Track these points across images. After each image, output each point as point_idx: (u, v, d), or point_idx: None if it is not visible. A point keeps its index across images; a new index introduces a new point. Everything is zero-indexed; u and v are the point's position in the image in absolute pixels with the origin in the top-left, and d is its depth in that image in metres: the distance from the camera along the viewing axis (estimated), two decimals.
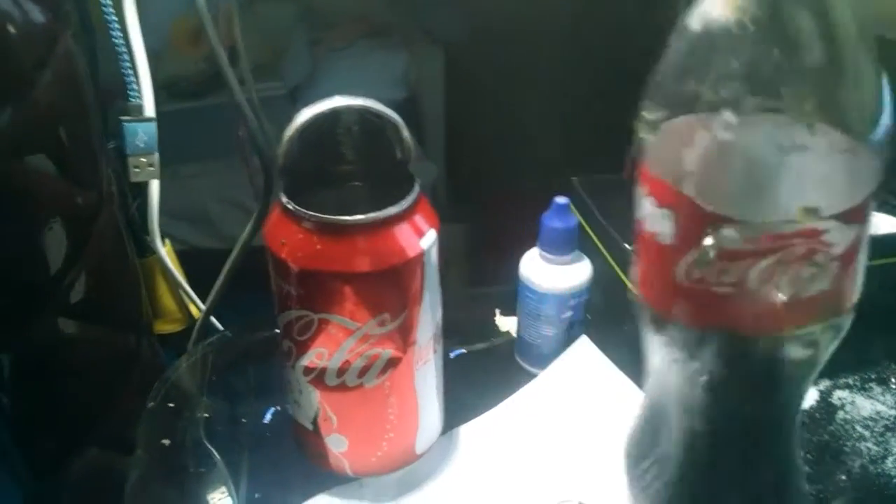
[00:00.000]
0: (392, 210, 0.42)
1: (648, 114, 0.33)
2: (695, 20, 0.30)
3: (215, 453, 0.55)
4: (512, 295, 0.70)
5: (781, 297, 0.31)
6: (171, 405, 0.59)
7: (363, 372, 0.46)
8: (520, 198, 0.70)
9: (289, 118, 0.42)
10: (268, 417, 0.59)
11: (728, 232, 0.30)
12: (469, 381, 0.57)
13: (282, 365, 0.49)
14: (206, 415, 0.59)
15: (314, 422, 0.49)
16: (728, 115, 0.29)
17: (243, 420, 0.59)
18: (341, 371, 0.46)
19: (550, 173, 0.69)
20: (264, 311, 0.52)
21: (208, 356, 0.64)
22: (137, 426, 0.60)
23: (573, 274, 0.57)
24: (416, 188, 0.44)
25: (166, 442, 0.56)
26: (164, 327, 0.68)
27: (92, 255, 0.54)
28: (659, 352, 0.38)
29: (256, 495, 0.52)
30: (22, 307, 0.54)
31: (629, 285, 0.61)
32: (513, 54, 0.99)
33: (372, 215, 0.42)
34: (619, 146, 0.77)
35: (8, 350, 0.56)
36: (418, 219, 0.44)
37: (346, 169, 0.43)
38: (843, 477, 0.51)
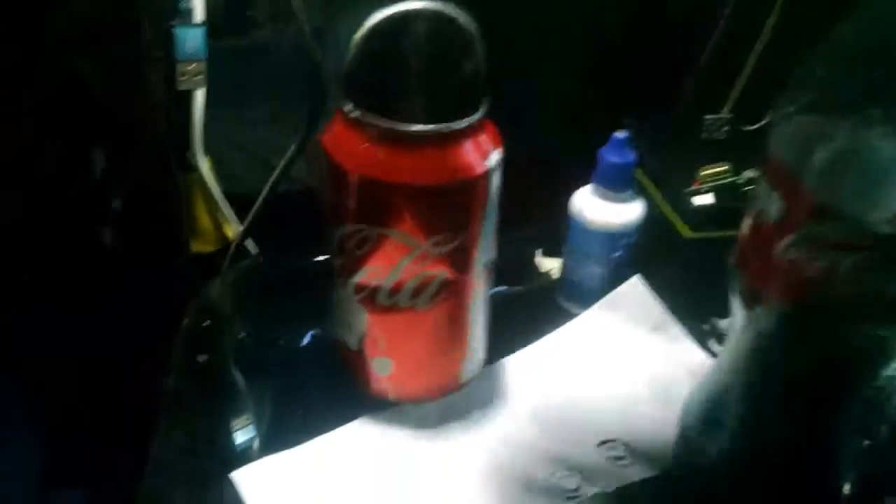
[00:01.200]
0: (462, 123, 0.41)
1: (785, 105, 0.34)
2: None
3: (241, 378, 0.55)
4: (552, 237, 0.69)
5: (869, 287, 0.32)
6: (207, 324, 0.59)
7: (416, 293, 0.44)
8: (562, 137, 0.68)
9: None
10: (306, 340, 0.58)
11: (830, 223, 0.31)
12: (509, 320, 0.56)
13: (330, 283, 0.48)
14: (242, 334, 0.58)
15: (360, 343, 0.48)
16: (855, 120, 0.30)
17: (280, 342, 0.58)
18: (394, 291, 0.44)
19: (596, 111, 0.67)
20: (300, 240, 0.51)
21: (243, 277, 0.63)
22: (173, 344, 0.59)
23: (627, 211, 0.55)
24: (485, 104, 0.42)
25: (202, 358, 0.55)
26: (200, 247, 0.67)
27: (137, 165, 0.53)
28: (746, 324, 0.38)
29: (280, 423, 0.52)
30: (65, 218, 0.53)
31: (680, 229, 0.60)
32: None
33: (441, 126, 0.40)
34: (672, 86, 0.76)
35: (50, 264, 0.55)
36: (485, 137, 0.43)
37: (412, 80, 0.40)
38: None
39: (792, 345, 0.36)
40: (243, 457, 0.49)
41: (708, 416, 0.44)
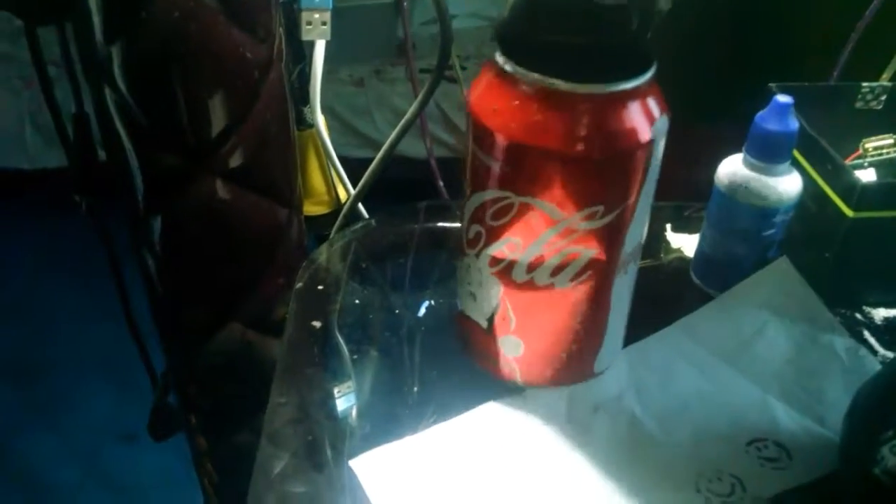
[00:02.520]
0: (628, 84, 0.36)
1: None
2: None
3: (344, 345, 0.52)
4: (680, 210, 0.64)
5: None
6: (320, 288, 0.56)
7: (557, 271, 0.40)
8: (704, 98, 0.62)
9: None
10: (422, 311, 0.55)
11: None
12: (639, 299, 0.51)
13: (461, 252, 0.44)
14: (356, 301, 0.55)
15: (490, 319, 0.44)
16: None
17: (396, 311, 0.55)
18: (532, 266, 0.40)
19: (745, 75, 0.61)
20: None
21: (354, 243, 0.61)
22: (283, 306, 0.57)
23: (784, 185, 0.49)
24: (653, 65, 0.37)
25: (317, 324, 0.53)
26: (311, 209, 0.65)
27: (258, 117, 0.50)
28: None
29: (384, 395, 0.49)
30: (183, 167, 0.51)
31: (840, 205, 0.55)
32: None
33: (605, 86, 0.35)
34: (827, 51, 0.69)
35: (164, 209, 0.53)
36: (651, 100, 0.38)
37: (573, 32, 0.36)
38: None
39: None
40: (341, 424, 0.47)
41: (882, 417, 0.39)
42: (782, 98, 0.48)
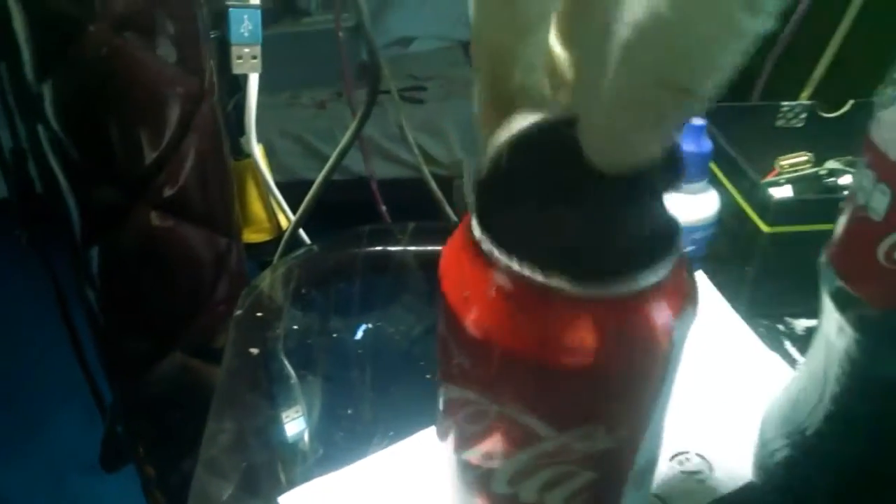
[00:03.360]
0: (647, 279, 0.26)
1: (890, 87, 0.32)
2: None
3: (291, 370, 0.53)
4: None
5: None
6: (259, 314, 0.57)
7: (547, 488, 0.31)
8: None
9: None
10: (359, 334, 0.56)
11: None
12: None
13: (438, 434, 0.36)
14: (295, 326, 0.56)
15: None
16: None
17: (334, 335, 0.56)
18: (515, 480, 0.31)
19: None
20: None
21: (296, 269, 0.62)
22: (225, 333, 0.58)
23: (702, 205, 0.52)
24: (678, 241, 0.28)
25: (254, 351, 0.54)
26: (252, 236, 0.65)
27: (190, 147, 0.51)
28: (839, 328, 0.35)
29: (339, 433, 0.50)
30: (118, 200, 0.51)
31: (757, 221, 0.57)
32: None
33: (618, 287, 0.26)
34: (746, 71, 0.72)
35: (101, 242, 0.54)
36: (672, 291, 0.28)
37: (572, 197, 0.26)
38: None
39: (891, 352, 0.33)
40: (292, 449, 0.47)
41: (792, 427, 0.41)
42: (696, 120, 0.50)
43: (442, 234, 0.62)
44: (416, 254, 0.64)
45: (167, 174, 0.51)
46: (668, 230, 0.28)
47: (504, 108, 0.26)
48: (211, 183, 0.54)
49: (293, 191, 0.66)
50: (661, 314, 0.27)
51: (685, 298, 0.28)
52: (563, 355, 0.27)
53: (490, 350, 0.28)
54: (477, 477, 0.32)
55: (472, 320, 0.28)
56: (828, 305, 0.36)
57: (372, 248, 0.66)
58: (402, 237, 0.67)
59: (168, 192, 0.52)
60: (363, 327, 0.56)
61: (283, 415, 0.51)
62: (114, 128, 0.49)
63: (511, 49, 0.25)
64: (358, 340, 0.56)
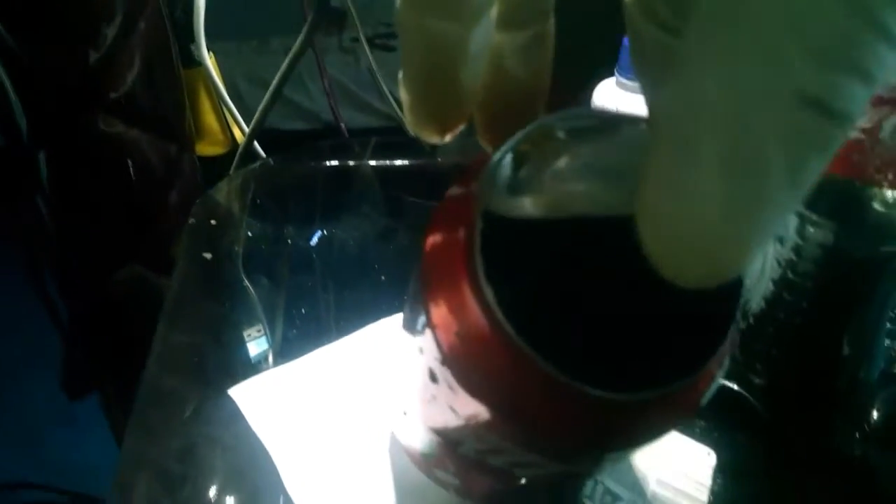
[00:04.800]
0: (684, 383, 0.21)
1: None
2: None
3: (252, 290, 0.53)
4: None
5: None
6: (214, 222, 0.57)
7: (517, 465, 0.28)
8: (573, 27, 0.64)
9: None
10: (314, 240, 0.56)
11: None
12: None
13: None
14: (249, 233, 0.56)
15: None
16: None
17: (288, 241, 0.56)
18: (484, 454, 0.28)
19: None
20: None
21: (252, 180, 0.61)
22: (178, 241, 0.58)
23: None
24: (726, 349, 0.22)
25: (208, 255, 0.54)
26: (207, 149, 0.65)
27: (135, 48, 0.50)
28: None
29: (293, 331, 0.50)
30: (63, 100, 0.50)
31: None
32: None
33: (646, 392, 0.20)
34: None
35: (48, 147, 0.53)
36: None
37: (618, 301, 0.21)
38: None
39: (824, 221, 0.34)
40: (258, 368, 0.47)
41: None
42: None
43: (403, 149, 0.62)
44: (376, 167, 0.63)
45: (112, 75, 0.50)
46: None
47: (444, 112, 0.21)
48: (159, 87, 0.53)
49: (261, 138, 0.65)
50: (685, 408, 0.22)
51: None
52: (567, 440, 0.22)
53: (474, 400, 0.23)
54: (444, 442, 0.30)
55: (460, 372, 0.22)
56: None
57: (330, 162, 0.65)
58: (361, 152, 0.66)
59: (114, 95, 0.51)
60: (318, 234, 0.56)
61: (245, 333, 0.51)
62: (55, 25, 0.47)
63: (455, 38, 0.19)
64: (313, 246, 0.56)
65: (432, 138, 0.21)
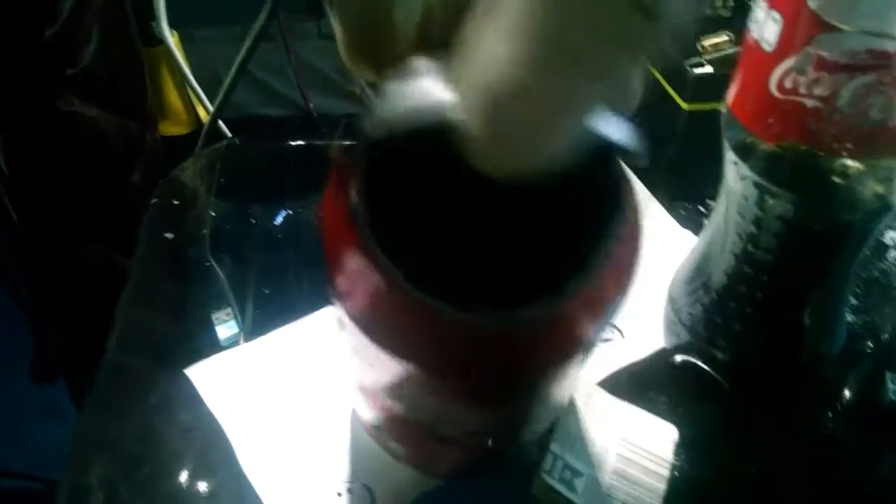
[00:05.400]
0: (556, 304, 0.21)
1: None
2: None
3: (222, 274, 0.52)
4: None
5: (868, 120, 0.29)
6: (177, 202, 0.56)
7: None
8: None
9: None
10: (279, 220, 0.55)
11: (831, 39, 0.28)
12: None
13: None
14: (213, 213, 0.55)
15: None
16: None
17: (252, 220, 0.55)
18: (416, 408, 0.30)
19: None
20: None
21: (217, 160, 0.60)
22: (141, 222, 0.56)
23: None
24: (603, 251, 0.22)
25: (169, 235, 0.53)
26: (171, 129, 0.63)
27: (92, 24, 0.49)
28: (736, 175, 0.35)
29: (259, 311, 0.49)
30: (18, 76, 0.49)
31: (676, 99, 0.57)
32: None
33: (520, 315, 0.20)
34: None
35: (4, 127, 0.52)
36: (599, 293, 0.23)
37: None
38: (890, 311, 0.48)
39: (784, 192, 0.33)
40: (205, 327, 0.47)
41: (697, 283, 0.41)
42: None
43: None
44: (343, 147, 0.63)
45: (68, 51, 0.49)
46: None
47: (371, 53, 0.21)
48: (117, 63, 0.52)
49: (240, 125, 0.63)
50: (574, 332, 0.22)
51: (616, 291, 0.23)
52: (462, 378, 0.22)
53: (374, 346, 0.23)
54: (382, 407, 0.32)
55: (355, 314, 0.22)
56: (729, 155, 0.36)
57: (296, 142, 0.64)
58: (329, 133, 0.65)
59: (70, 71, 0.50)
60: (283, 213, 0.56)
61: (214, 316, 0.51)
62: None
63: None
64: (277, 226, 0.55)
65: (367, 75, 0.22)
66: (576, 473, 0.37)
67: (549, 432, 0.38)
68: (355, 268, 0.21)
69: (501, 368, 0.21)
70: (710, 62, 0.58)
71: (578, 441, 0.38)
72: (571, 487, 0.36)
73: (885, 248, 0.53)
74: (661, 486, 0.37)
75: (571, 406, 0.39)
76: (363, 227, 0.20)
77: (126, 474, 0.40)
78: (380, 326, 0.22)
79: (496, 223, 0.22)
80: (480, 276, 0.22)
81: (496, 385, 0.22)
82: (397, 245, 0.20)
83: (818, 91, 0.29)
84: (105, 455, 0.41)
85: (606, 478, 0.37)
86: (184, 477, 0.40)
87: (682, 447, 0.39)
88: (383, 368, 0.24)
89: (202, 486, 0.40)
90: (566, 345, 0.22)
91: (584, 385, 0.41)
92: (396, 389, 0.26)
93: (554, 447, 0.37)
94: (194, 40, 1.10)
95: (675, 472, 0.38)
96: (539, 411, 0.31)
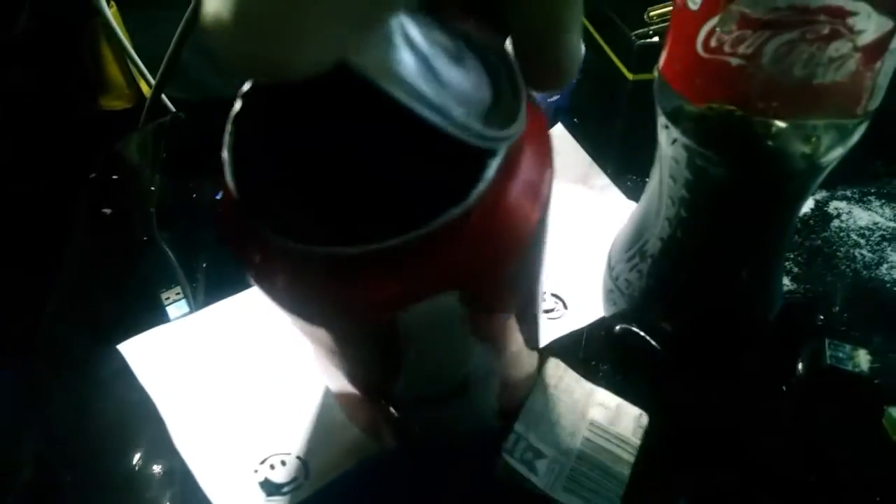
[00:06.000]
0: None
1: None
2: None
3: (170, 253, 0.51)
4: None
5: (791, 78, 0.29)
6: (115, 177, 0.55)
7: None
8: None
9: None
10: (220, 195, 0.54)
11: None
12: None
13: None
14: (153, 188, 0.54)
15: None
16: None
17: (194, 195, 0.54)
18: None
19: None
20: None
21: (159, 134, 0.59)
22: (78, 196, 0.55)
23: None
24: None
25: (107, 211, 0.52)
26: (112, 103, 0.62)
27: None
28: (668, 140, 0.35)
29: (196, 286, 0.48)
30: None
31: (622, 69, 0.57)
32: None
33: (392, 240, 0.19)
34: None
35: None
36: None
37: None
38: (833, 278, 0.48)
39: (712, 154, 0.33)
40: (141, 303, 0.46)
41: (633, 249, 0.41)
42: None
43: None
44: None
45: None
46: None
47: None
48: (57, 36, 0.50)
49: (203, 110, 0.62)
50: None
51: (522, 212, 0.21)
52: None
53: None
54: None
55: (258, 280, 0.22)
56: (661, 119, 0.36)
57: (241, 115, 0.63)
58: None
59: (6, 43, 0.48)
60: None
61: (163, 296, 0.50)
62: None
63: None
64: (218, 200, 0.54)
65: None
66: (538, 454, 0.36)
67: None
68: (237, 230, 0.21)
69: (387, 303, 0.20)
70: (657, 32, 0.58)
71: (544, 422, 0.38)
72: (532, 468, 0.36)
73: (829, 217, 0.54)
74: (626, 472, 0.36)
75: (539, 386, 0.39)
76: (231, 184, 0.20)
77: (57, 448, 0.40)
78: (279, 289, 0.21)
79: (367, 152, 0.21)
80: (361, 209, 0.21)
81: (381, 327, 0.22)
82: (267, 193, 0.20)
83: (742, 49, 0.29)
84: (36, 430, 0.41)
85: (570, 461, 0.36)
86: (117, 450, 0.39)
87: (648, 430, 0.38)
88: (311, 336, 0.24)
89: (147, 466, 0.39)
90: (424, 287, 0.20)
91: (554, 366, 0.40)
92: (332, 358, 0.25)
93: (518, 427, 0.37)
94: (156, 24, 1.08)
95: (642, 455, 0.37)
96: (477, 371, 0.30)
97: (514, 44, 0.22)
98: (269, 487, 0.36)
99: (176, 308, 0.48)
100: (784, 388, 0.42)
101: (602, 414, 0.39)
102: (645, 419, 0.39)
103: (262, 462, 0.37)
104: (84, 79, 0.55)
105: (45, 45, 0.52)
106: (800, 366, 0.43)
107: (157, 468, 0.39)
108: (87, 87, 0.57)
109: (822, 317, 0.46)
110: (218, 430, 0.39)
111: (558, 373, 0.40)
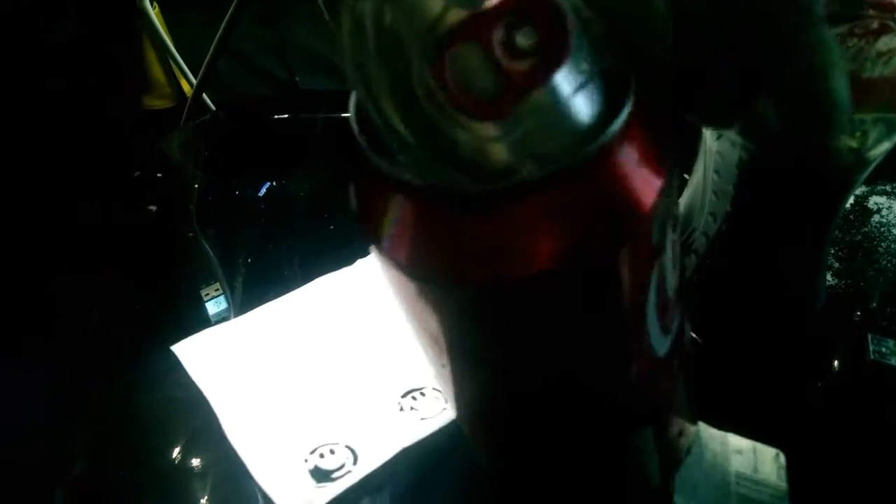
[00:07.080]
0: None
1: None
2: None
3: (209, 250, 0.52)
4: None
5: None
6: (160, 175, 0.56)
7: None
8: None
9: None
10: (263, 191, 0.55)
11: None
12: None
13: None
14: (196, 185, 0.55)
15: None
16: None
17: (237, 192, 0.55)
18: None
19: None
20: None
21: (201, 132, 0.60)
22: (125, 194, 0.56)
23: None
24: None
25: (153, 207, 0.53)
26: (155, 102, 0.63)
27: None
28: (712, 134, 0.35)
29: (242, 283, 0.49)
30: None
31: None
32: None
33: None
34: None
35: None
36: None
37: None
38: (874, 273, 0.48)
39: (759, 147, 0.33)
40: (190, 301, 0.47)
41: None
42: None
43: None
44: (326, 119, 0.62)
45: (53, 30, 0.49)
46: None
47: None
48: (104, 39, 0.52)
49: (233, 109, 0.63)
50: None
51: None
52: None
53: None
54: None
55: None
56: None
57: (280, 115, 0.64)
58: (314, 106, 0.65)
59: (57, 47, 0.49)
60: (267, 185, 0.55)
61: (203, 293, 0.51)
62: None
63: None
64: (260, 197, 0.55)
65: None
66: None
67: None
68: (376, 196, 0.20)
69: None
70: None
71: (700, 488, 0.37)
72: None
73: (869, 212, 0.53)
74: None
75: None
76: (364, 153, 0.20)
77: (110, 443, 0.41)
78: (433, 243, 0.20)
79: None
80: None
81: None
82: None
83: None
84: (88, 425, 0.42)
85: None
86: (169, 446, 0.40)
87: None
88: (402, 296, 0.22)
89: (193, 460, 0.40)
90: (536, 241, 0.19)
91: (692, 427, 0.39)
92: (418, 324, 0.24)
93: (678, 500, 0.36)
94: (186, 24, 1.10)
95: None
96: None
97: None
98: (319, 475, 0.37)
99: (214, 304, 0.49)
100: (825, 380, 0.42)
101: (742, 462, 0.38)
102: (783, 458, 0.37)
103: (312, 452, 0.38)
104: (129, 79, 0.56)
105: (92, 47, 0.53)
106: (840, 359, 0.43)
107: (200, 462, 0.39)
108: (134, 86, 0.58)
109: (861, 312, 0.46)
110: (269, 424, 0.39)
111: (697, 430, 0.38)
